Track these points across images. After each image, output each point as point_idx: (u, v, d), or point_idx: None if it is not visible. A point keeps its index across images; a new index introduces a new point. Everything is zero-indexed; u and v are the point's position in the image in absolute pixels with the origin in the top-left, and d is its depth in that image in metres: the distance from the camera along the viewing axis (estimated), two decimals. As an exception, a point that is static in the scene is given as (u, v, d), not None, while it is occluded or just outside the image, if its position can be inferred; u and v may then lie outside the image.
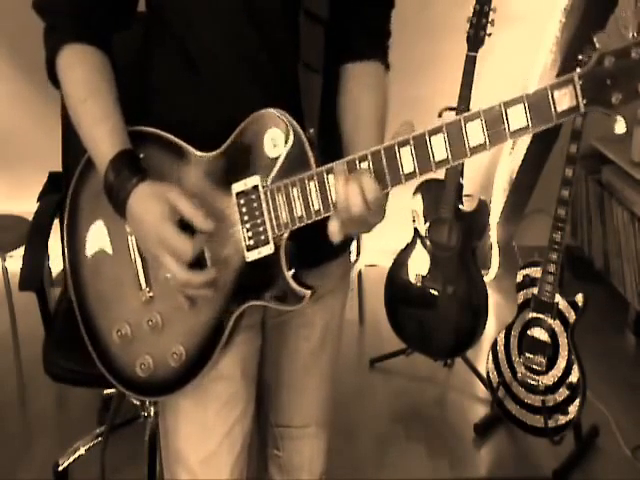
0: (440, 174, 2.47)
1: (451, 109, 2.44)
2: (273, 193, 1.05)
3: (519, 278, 2.30)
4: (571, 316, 2.18)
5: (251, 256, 1.08)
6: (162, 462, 1.35)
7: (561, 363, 2.20)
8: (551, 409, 2.23)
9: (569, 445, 2.33)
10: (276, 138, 1.05)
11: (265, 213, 1.06)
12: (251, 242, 1.08)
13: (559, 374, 2.21)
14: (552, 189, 2.23)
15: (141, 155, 1.12)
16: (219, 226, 1.08)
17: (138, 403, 2.20)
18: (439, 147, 0.94)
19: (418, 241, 2.57)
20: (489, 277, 3.37)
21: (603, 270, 3.11)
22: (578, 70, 0.87)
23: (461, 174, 2.50)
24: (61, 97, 1.16)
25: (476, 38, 2.34)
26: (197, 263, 1.07)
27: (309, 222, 1.03)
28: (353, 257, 2.92)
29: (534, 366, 2.25)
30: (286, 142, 1.04)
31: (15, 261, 2.23)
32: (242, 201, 1.08)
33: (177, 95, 1.18)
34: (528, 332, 2.27)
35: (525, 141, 3.09)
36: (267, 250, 1.07)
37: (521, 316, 2.29)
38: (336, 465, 1.61)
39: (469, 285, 2.50)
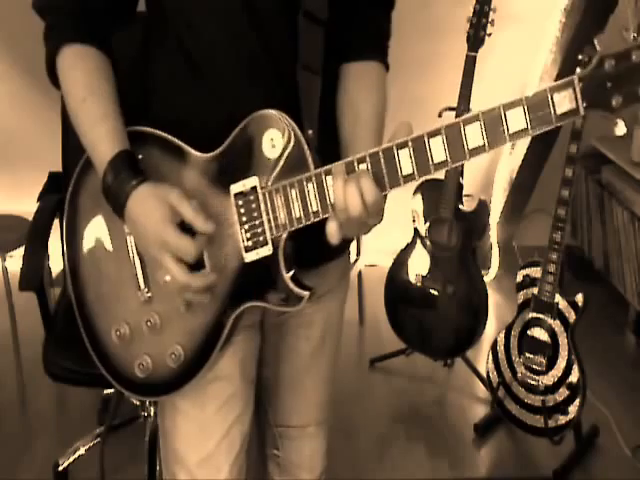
0: (440, 174, 2.46)
1: (451, 109, 2.44)
2: (271, 194, 1.05)
3: (519, 278, 2.30)
4: (571, 316, 2.18)
5: (249, 257, 1.08)
6: (162, 462, 1.35)
7: (561, 363, 2.20)
8: (551, 409, 2.23)
9: (569, 445, 2.33)
10: (275, 139, 1.05)
11: (263, 214, 1.06)
12: (249, 243, 1.08)
13: (559, 374, 2.21)
14: (552, 189, 2.23)
15: (140, 156, 1.12)
16: (218, 227, 1.08)
17: (138, 403, 2.20)
18: (438, 149, 0.94)
19: (418, 241, 2.57)
20: (489, 277, 3.37)
21: (603, 270, 3.11)
22: (578, 72, 0.87)
23: (461, 174, 2.50)
24: (61, 97, 1.17)
25: (476, 38, 2.33)
26: (195, 264, 1.08)
27: (307, 223, 1.03)
28: (353, 257, 2.92)
29: (534, 366, 2.25)
30: (285, 143, 1.04)
31: (15, 261, 2.24)
32: (240, 202, 1.08)
33: (176, 95, 1.18)
34: (528, 332, 2.27)
35: (525, 141, 3.09)
36: (265, 251, 1.07)
37: (521, 316, 2.29)
38: (336, 465, 1.61)
39: (469, 285, 2.50)
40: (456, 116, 2.22)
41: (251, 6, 1.10)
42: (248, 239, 1.08)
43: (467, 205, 2.52)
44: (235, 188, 1.08)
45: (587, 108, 0.87)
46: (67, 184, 1.25)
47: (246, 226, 1.08)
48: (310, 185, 1.02)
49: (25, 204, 2.18)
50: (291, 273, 1.08)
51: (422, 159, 0.95)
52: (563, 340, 2.19)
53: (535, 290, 2.23)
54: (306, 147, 1.04)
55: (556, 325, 2.20)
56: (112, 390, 2.15)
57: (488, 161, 3.33)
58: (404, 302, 2.61)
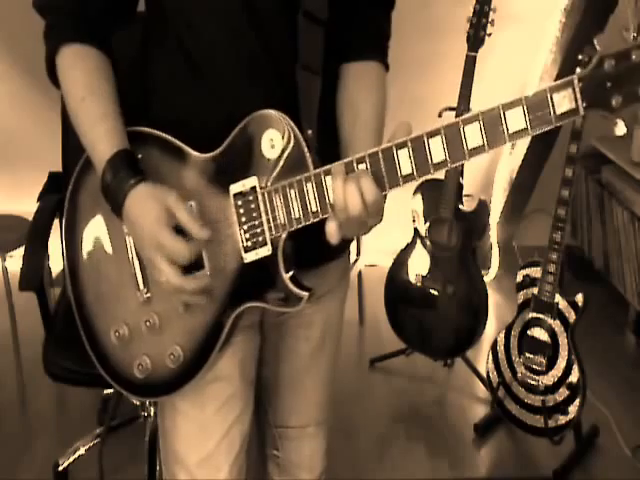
0: (440, 174, 2.46)
1: (451, 109, 2.44)
2: (271, 194, 1.05)
3: (519, 278, 2.30)
4: (571, 316, 2.17)
5: (249, 257, 1.08)
6: (162, 462, 1.35)
7: (561, 363, 2.20)
8: (551, 409, 2.23)
9: (569, 445, 2.33)
10: (274, 139, 1.05)
11: (263, 214, 1.06)
12: (249, 243, 1.08)
13: (559, 374, 2.21)
14: (552, 189, 2.23)
15: (139, 155, 1.12)
16: (217, 227, 1.08)
17: (138, 403, 2.20)
18: (437, 149, 0.94)
19: (418, 241, 2.57)
20: (489, 277, 3.37)
21: (603, 270, 3.11)
22: (578, 72, 0.87)
23: (461, 174, 2.50)
24: (61, 97, 1.17)
25: (476, 38, 2.33)
26: (195, 263, 1.07)
27: (307, 224, 1.03)
28: (353, 257, 2.92)
29: (534, 366, 2.25)
30: (284, 143, 1.04)
31: (15, 261, 2.24)
32: (240, 202, 1.07)
33: (176, 95, 1.18)
34: (528, 332, 2.27)
35: (525, 141, 3.09)
36: (265, 251, 1.07)
37: (521, 316, 2.29)
38: (336, 465, 1.61)
39: (469, 285, 2.50)
40: (456, 116, 2.21)
41: (251, 6, 1.10)
42: (247, 239, 1.08)
43: (467, 205, 2.52)
44: (234, 188, 1.08)
45: (587, 108, 0.87)
46: (67, 184, 1.25)
47: (245, 226, 1.08)
48: (309, 185, 1.02)
49: (25, 204, 2.18)
50: (290, 273, 1.08)
51: (421, 159, 0.95)
52: (563, 340, 2.19)
53: (535, 290, 2.23)
54: (305, 147, 1.03)
55: (556, 325, 2.20)
56: (112, 390, 2.16)
57: (488, 161, 3.33)
58: (404, 302, 2.61)
